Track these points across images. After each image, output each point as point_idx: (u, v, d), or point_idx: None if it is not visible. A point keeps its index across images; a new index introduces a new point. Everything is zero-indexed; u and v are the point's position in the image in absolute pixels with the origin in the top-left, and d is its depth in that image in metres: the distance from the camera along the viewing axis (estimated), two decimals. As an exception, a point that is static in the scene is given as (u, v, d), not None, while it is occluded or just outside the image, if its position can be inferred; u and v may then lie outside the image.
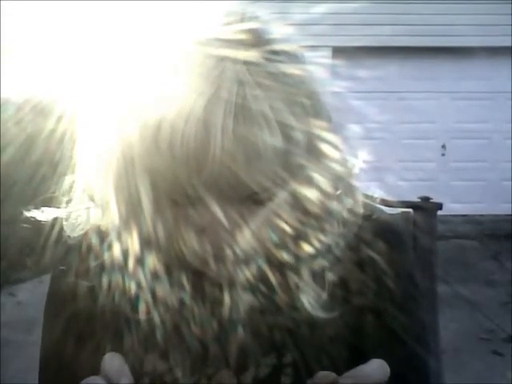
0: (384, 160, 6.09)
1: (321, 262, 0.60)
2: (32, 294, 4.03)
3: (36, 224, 0.64)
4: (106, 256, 0.60)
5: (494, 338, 3.85)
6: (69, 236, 0.65)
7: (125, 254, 0.58)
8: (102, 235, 0.61)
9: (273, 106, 0.50)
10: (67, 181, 0.63)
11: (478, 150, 7.05)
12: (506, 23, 6.35)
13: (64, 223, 0.64)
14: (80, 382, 0.52)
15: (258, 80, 0.50)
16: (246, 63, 0.51)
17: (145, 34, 0.55)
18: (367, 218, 0.65)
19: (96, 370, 0.52)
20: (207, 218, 0.53)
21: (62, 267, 0.68)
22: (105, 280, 0.61)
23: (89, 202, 0.61)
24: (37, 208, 0.65)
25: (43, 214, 0.64)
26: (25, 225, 0.65)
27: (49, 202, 0.64)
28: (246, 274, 0.56)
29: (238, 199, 0.53)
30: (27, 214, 0.64)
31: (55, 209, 0.64)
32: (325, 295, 0.61)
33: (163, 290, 0.59)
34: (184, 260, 0.56)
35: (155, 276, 0.58)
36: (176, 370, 0.64)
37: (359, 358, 0.65)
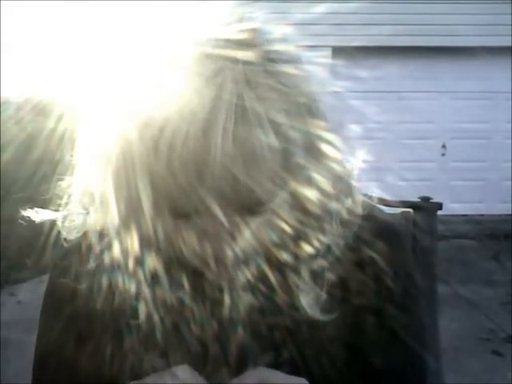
0: (384, 160, 6.09)
1: (320, 262, 0.60)
2: (32, 294, 4.02)
3: (36, 224, 0.65)
4: (106, 256, 0.60)
5: (494, 338, 3.85)
6: (65, 239, 0.65)
7: (124, 254, 0.57)
8: (102, 235, 0.61)
9: (272, 107, 0.50)
10: (65, 182, 0.63)
11: (477, 149, 7.04)
12: (506, 23, 6.35)
13: (60, 225, 0.64)
14: (80, 380, 0.52)
15: (257, 82, 0.50)
16: (246, 64, 0.51)
17: (145, 35, 0.55)
18: (366, 217, 0.65)
19: (96, 369, 0.52)
20: (208, 220, 0.53)
21: (60, 266, 0.68)
22: (104, 280, 0.61)
23: (87, 202, 0.61)
24: (33, 208, 0.65)
25: (38, 215, 0.64)
26: (22, 222, 0.65)
27: (48, 203, 0.64)
28: (246, 274, 0.56)
29: (239, 201, 0.53)
30: (24, 212, 0.64)
31: (51, 211, 0.64)
32: (324, 295, 0.61)
33: (163, 290, 0.59)
34: (184, 260, 0.56)
35: (155, 276, 0.58)
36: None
37: (358, 357, 0.66)
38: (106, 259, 0.60)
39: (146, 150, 0.50)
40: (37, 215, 0.64)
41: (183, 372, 0.59)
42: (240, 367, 0.64)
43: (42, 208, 0.65)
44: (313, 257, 0.59)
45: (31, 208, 0.64)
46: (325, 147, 0.57)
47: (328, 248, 0.60)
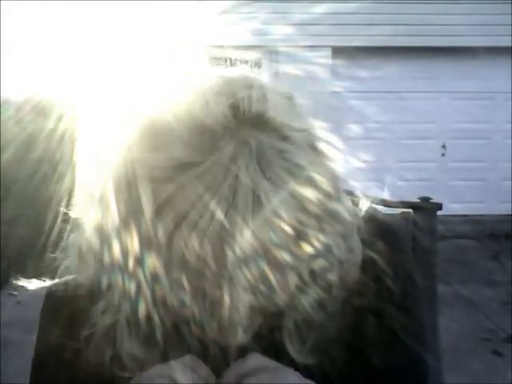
0: (384, 160, 6.09)
1: (321, 262, 0.60)
2: (32, 294, 4.02)
3: (36, 224, 0.65)
4: (106, 258, 0.60)
5: (494, 338, 3.85)
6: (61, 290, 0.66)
7: (124, 254, 0.57)
8: (103, 237, 0.61)
9: (286, 195, 0.53)
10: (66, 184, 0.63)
11: (477, 149, 7.05)
12: (506, 23, 6.36)
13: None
14: (80, 380, 0.52)
15: (271, 176, 0.52)
16: (258, 147, 0.52)
17: (148, 44, 0.56)
18: (366, 218, 0.65)
19: (96, 369, 0.52)
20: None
21: (62, 268, 0.68)
22: (104, 282, 0.61)
23: (87, 203, 0.61)
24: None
25: (31, 284, 0.67)
26: (14, 292, 0.68)
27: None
28: (246, 274, 0.56)
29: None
30: (17, 282, 0.67)
31: (42, 281, 0.68)
32: (324, 295, 0.61)
33: (163, 290, 0.59)
34: (184, 260, 0.56)
35: (155, 276, 0.58)
36: None
37: (358, 357, 0.66)
38: (107, 261, 0.60)
39: (146, 152, 0.50)
40: (30, 284, 0.67)
41: (188, 363, 0.60)
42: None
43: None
44: (313, 257, 0.59)
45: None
46: (325, 147, 0.57)
47: (328, 248, 0.60)
